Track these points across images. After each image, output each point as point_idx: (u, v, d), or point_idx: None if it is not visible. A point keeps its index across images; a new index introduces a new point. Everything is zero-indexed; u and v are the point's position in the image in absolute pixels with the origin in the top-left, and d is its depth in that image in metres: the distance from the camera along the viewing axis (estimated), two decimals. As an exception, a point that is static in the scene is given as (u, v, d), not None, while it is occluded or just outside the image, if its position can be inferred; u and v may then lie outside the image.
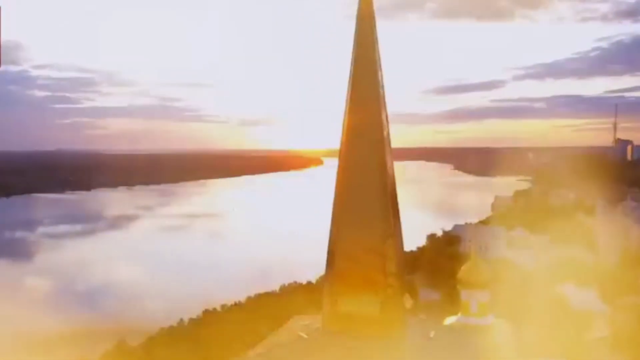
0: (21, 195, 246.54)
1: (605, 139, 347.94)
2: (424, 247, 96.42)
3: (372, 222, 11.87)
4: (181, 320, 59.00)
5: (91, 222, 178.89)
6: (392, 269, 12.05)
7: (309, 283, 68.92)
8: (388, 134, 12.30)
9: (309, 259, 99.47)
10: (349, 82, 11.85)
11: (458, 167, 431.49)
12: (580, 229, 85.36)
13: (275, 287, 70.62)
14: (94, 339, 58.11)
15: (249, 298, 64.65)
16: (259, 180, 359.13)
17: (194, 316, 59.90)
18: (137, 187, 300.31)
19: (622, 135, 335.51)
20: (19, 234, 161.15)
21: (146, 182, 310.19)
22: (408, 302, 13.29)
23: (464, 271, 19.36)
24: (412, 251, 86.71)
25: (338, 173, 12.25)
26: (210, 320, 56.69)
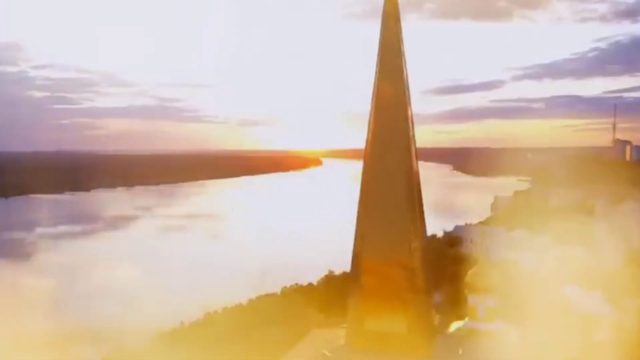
0: (20, 196, 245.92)
1: (604, 139, 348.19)
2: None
3: (399, 234, 11.32)
4: (182, 322, 58.67)
5: (90, 223, 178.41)
6: (421, 285, 11.47)
7: (310, 285, 68.71)
8: (414, 135, 11.80)
9: (309, 260, 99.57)
10: (375, 84, 11.45)
11: (457, 168, 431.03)
12: (581, 229, 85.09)
13: (275, 288, 70.36)
14: (93, 340, 57.75)
15: (250, 300, 64.38)
16: (259, 180, 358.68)
17: (195, 318, 59.56)
18: (136, 188, 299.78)
19: (621, 135, 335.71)
20: (17, 234, 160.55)
21: (145, 182, 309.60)
22: (436, 318, 12.79)
23: (471, 276, 19.07)
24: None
25: (363, 180, 11.70)
26: (212, 322, 56.38)
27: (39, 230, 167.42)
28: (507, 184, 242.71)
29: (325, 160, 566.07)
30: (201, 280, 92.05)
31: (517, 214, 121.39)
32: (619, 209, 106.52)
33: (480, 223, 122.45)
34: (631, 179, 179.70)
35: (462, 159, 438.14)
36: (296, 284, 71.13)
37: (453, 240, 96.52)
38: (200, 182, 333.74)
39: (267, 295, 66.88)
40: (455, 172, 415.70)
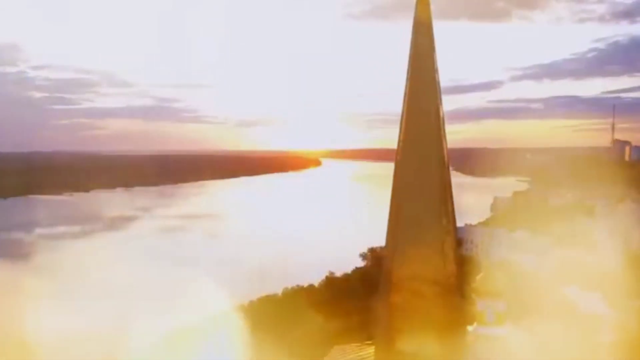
0: (19, 196, 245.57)
1: (603, 140, 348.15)
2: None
3: (433, 248, 10.72)
4: (182, 325, 58.47)
5: (90, 224, 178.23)
6: (457, 302, 10.81)
7: (311, 286, 68.69)
8: (447, 146, 11.33)
9: (309, 261, 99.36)
10: (406, 89, 11.10)
11: (456, 168, 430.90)
12: (581, 230, 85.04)
13: (276, 290, 70.27)
14: (93, 340, 57.50)
15: (251, 302, 64.29)
16: (258, 181, 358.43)
17: (195, 321, 59.31)
18: (135, 189, 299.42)
19: (620, 135, 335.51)
20: (16, 235, 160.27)
21: (145, 183, 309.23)
22: (469, 336, 12.21)
23: (479, 281, 19.00)
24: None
25: (393, 195, 11.16)
26: (213, 325, 56.19)
27: (38, 230, 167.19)
28: (506, 184, 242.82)
29: (324, 161, 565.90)
30: (200, 281, 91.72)
31: (517, 214, 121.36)
32: (619, 209, 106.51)
33: (481, 224, 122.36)
34: (631, 179, 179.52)
35: (461, 159, 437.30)
36: (297, 286, 71.09)
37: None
38: (200, 182, 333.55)
39: (268, 296, 66.76)
40: (454, 172, 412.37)
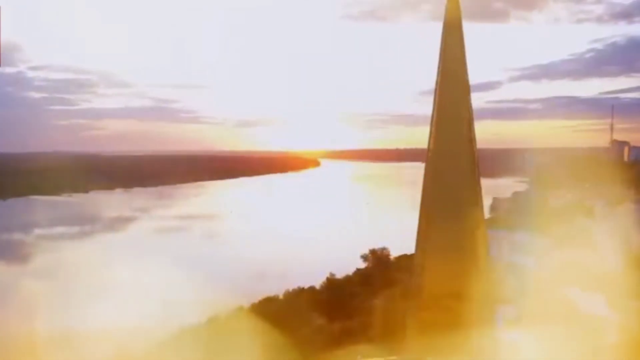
0: (18, 197, 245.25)
1: (601, 140, 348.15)
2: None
3: (465, 261, 10.53)
4: (182, 325, 58.33)
5: (89, 224, 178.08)
6: (489, 317, 10.57)
7: (312, 288, 68.64)
8: (477, 151, 11.19)
9: (309, 262, 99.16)
10: (436, 92, 11.04)
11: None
12: (581, 231, 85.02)
13: (277, 291, 70.17)
14: (93, 341, 57.36)
15: (251, 304, 64.18)
16: (258, 181, 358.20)
17: (195, 322, 59.22)
18: (135, 189, 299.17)
19: (618, 136, 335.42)
20: (16, 236, 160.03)
21: (144, 184, 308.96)
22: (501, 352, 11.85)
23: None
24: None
25: (422, 206, 10.97)
26: (214, 326, 56.11)
27: (37, 231, 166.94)
28: (505, 185, 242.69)
29: (323, 161, 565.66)
30: (200, 282, 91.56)
31: (517, 215, 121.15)
32: (619, 210, 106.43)
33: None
34: (630, 179, 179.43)
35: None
36: (298, 287, 71.00)
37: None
38: (199, 183, 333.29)
39: (269, 298, 66.65)
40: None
